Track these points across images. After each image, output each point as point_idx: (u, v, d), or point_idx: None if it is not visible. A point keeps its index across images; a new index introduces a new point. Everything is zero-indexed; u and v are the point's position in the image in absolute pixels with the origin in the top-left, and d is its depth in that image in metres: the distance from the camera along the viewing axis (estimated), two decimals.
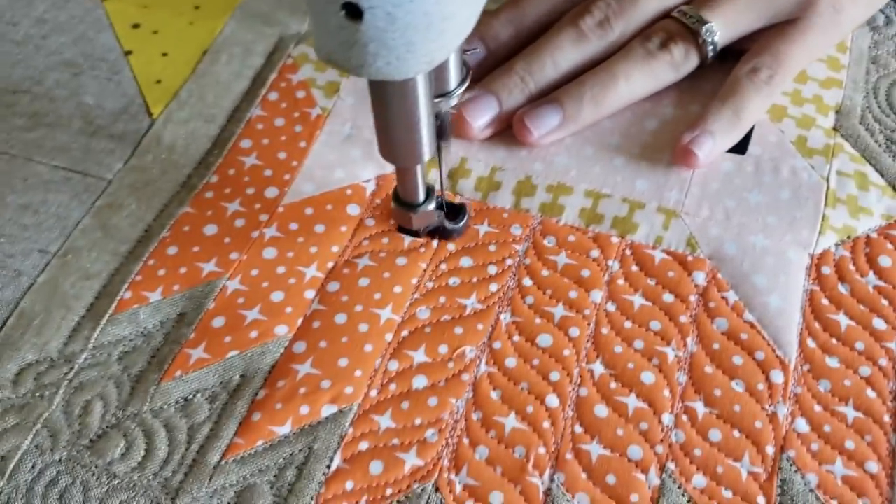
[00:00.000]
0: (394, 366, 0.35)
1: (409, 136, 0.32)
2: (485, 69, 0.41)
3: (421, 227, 0.37)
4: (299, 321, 0.36)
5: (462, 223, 0.38)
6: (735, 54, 0.41)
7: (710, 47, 0.40)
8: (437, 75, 0.32)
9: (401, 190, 0.36)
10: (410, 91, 0.30)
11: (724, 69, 0.41)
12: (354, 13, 0.25)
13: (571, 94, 0.40)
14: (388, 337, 0.35)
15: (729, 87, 0.40)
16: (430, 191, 0.36)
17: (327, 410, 0.33)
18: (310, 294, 0.37)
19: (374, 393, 0.34)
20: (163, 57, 0.46)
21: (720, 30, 0.40)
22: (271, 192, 0.40)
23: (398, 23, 0.25)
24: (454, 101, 0.33)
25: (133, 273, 0.37)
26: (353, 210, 0.39)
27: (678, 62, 0.40)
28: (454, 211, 0.38)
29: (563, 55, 0.40)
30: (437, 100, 0.32)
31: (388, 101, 0.30)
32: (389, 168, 0.40)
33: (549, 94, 0.40)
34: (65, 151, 0.41)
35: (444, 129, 0.34)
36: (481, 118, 0.40)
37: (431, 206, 0.36)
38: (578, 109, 0.40)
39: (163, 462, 0.33)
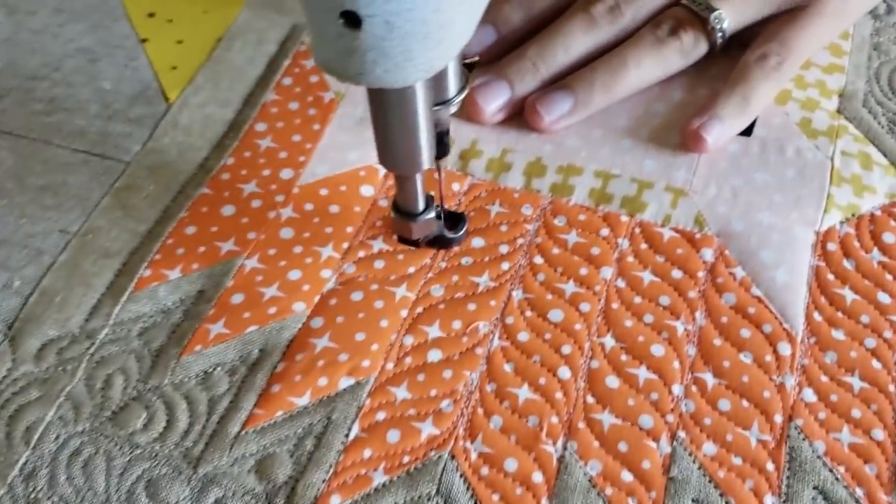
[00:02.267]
0: (409, 340, 0.35)
1: (408, 143, 0.32)
2: (496, 54, 0.42)
3: (420, 237, 0.37)
4: (316, 298, 0.37)
5: (461, 232, 0.38)
6: (743, 41, 0.42)
7: (719, 34, 0.41)
8: (437, 83, 0.32)
9: (400, 199, 0.36)
10: (409, 99, 0.30)
11: (732, 56, 0.42)
12: (353, 21, 0.25)
13: (583, 80, 0.41)
14: (404, 313, 0.36)
15: (738, 74, 0.41)
16: (429, 200, 0.36)
17: (345, 382, 0.34)
18: (326, 273, 0.37)
19: (390, 366, 0.35)
20: (178, 44, 0.46)
21: (729, 17, 0.41)
22: (286, 174, 0.41)
23: (397, 31, 0.25)
24: (453, 109, 0.33)
25: (152, 252, 0.38)
26: (367, 191, 0.40)
27: (687, 49, 0.41)
28: (453, 220, 0.38)
29: (575, 42, 0.41)
30: (436, 107, 0.32)
31: (387, 108, 0.30)
32: None
33: (561, 81, 0.41)
34: (83, 135, 0.42)
35: (444, 139, 0.34)
36: (493, 103, 0.41)
37: (431, 215, 0.36)
38: (590, 95, 0.40)
39: (184, 432, 0.33)
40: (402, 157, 0.32)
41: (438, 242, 0.38)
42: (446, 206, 0.39)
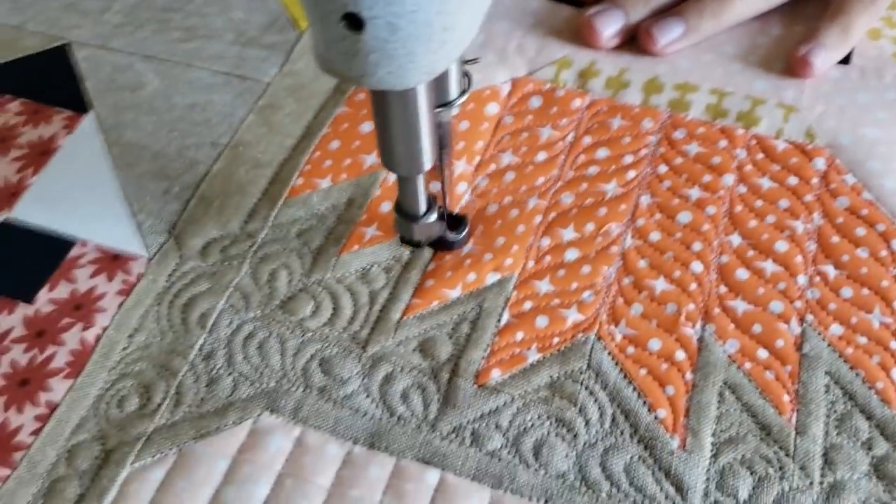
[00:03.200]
0: (546, 242, 0.38)
1: (410, 145, 0.32)
2: None
3: (422, 238, 0.38)
4: (456, 210, 0.39)
5: (463, 234, 0.38)
6: None
7: None
8: (438, 85, 0.32)
9: (402, 200, 0.36)
10: (411, 101, 0.30)
11: None
12: (356, 24, 0.25)
13: (693, 7, 0.44)
14: (538, 219, 0.39)
15: (837, 6, 0.44)
16: (431, 202, 0.36)
17: (491, 278, 0.37)
18: (462, 187, 0.40)
19: (531, 264, 0.38)
20: None
21: None
22: None
23: (399, 33, 0.25)
24: (455, 111, 0.34)
25: (301, 163, 0.41)
26: (493, 109, 0.43)
27: None
28: (455, 222, 0.38)
29: None
30: (437, 109, 0.32)
31: (389, 110, 0.30)
32: (522, 70, 0.44)
33: (673, 9, 0.44)
34: (222, 59, 0.45)
35: (445, 138, 0.34)
36: (610, 28, 0.44)
37: (433, 217, 0.37)
38: (699, 21, 0.43)
39: (350, 319, 0.36)
40: (403, 159, 0.32)
41: (440, 244, 0.38)
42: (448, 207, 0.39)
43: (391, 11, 0.24)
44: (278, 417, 0.34)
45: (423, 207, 0.36)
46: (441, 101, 0.33)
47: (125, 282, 0.37)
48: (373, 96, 0.30)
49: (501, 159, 0.41)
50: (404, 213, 0.37)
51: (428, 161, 0.33)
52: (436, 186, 0.37)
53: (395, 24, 0.25)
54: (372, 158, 0.41)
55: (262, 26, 0.46)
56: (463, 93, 0.33)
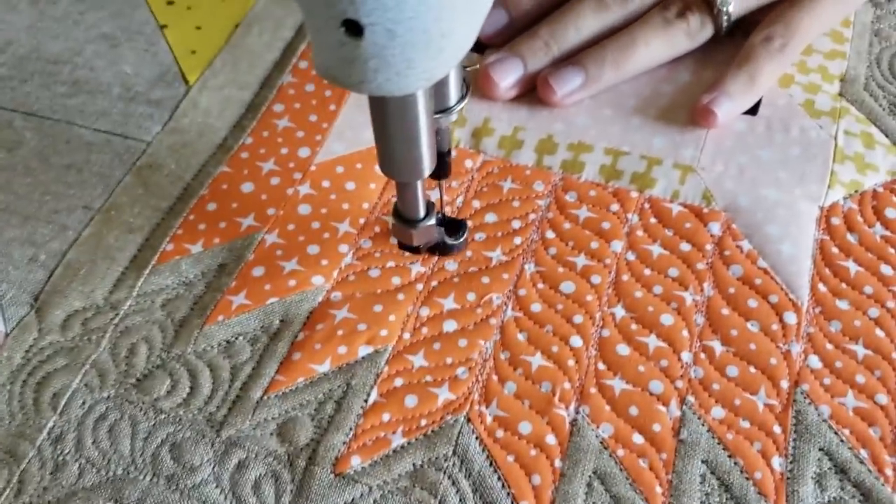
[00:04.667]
0: (425, 311, 0.36)
1: (409, 151, 0.32)
2: (507, 36, 0.43)
3: (421, 243, 0.37)
4: (335, 273, 0.38)
5: (462, 239, 0.38)
6: (747, 29, 0.43)
7: (725, 17, 0.42)
8: (437, 91, 0.32)
9: (401, 205, 0.36)
10: (410, 107, 0.30)
11: (736, 42, 0.43)
12: (354, 30, 0.25)
13: (593, 57, 0.42)
14: (419, 287, 0.37)
15: (744, 54, 0.42)
16: (430, 207, 0.36)
17: (364, 350, 0.35)
18: (343, 248, 0.38)
19: (407, 335, 0.36)
20: (197, 30, 0.48)
21: (734, 1, 0.42)
22: (304, 153, 0.42)
23: (398, 39, 0.25)
24: (454, 117, 0.33)
25: (174, 227, 0.39)
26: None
27: (694, 31, 0.42)
28: (454, 227, 0.38)
29: (586, 22, 0.42)
30: (437, 115, 0.32)
31: (388, 116, 0.30)
32: None
33: (572, 58, 0.42)
34: (105, 116, 0.43)
35: (444, 144, 0.34)
36: (507, 78, 0.42)
37: (431, 221, 0.36)
38: (600, 71, 0.41)
39: (207, 398, 0.34)
40: (403, 165, 0.32)
41: (439, 249, 0.38)
42: (447, 211, 0.39)
43: (389, 18, 0.24)
44: None
45: (422, 212, 0.36)
46: (440, 107, 0.33)
47: None
48: (372, 103, 0.30)
49: (388, 221, 0.39)
50: (403, 218, 0.36)
51: (427, 167, 0.33)
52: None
53: (393, 31, 0.25)
54: (249, 220, 0.39)
55: (151, 80, 0.45)
56: (462, 98, 0.33)
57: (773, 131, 0.41)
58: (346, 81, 0.27)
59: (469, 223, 0.39)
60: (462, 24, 0.27)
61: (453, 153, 0.41)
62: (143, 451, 0.33)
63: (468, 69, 0.39)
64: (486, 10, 0.28)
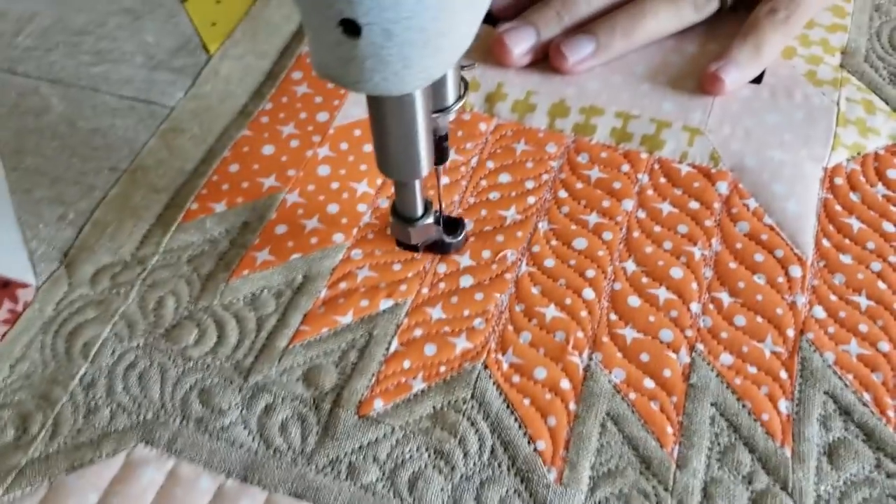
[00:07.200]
0: (442, 268, 0.38)
1: (407, 150, 0.32)
2: (518, 9, 0.45)
3: (419, 242, 0.38)
4: (354, 231, 0.39)
5: (460, 237, 0.38)
6: (751, 2, 0.45)
7: None
8: (435, 91, 0.32)
9: (399, 204, 0.36)
10: (408, 106, 0.30)
11: (740, 17, 0.45)
12: (352, 29, 0.25)
13: (604, 26, 0.43)
14: None
15: (750, 26, 0.43)
16: (428, 205, 0.36)
17: (384, 304, 0.36)
18: (362, 207, 0.40)
19: (425, 290, 0.37)
20: (217, 3, 0.49)
21: None
22: (322, 117, 0.43)
23: (395, 39, 0.25)
24: (452, 117, 0.33)
25: (198, 187, 0.40)
26: None
27: (700, 4, 0.44)
28: (452, 225, 0.38)
29: None
30: (434, 115, 0.32)
31: (385, 116, 0.30)
32: None
33: (583, 27, 0.44)
34: (129, 83, 0.45)
35: (443, 144, 0.35)
36: (520, 45, 0.43)
37: (429, 220, 0.37)
38: (611, 39, 0.43)
39: (234, 346, 0.36)
40: (400, 164, 0.32)
41: (437, 247, 0.38)
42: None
43: (387, 17, 0.24)
44: (153, 449, 0.33)
45: (420, 211, 0.36)
46: (438, 107, 0.33)
47: (11, 311, 0.37)
48: (370, 102, 0.30)
49: None
50: (401, 216, 0.36)
51: (425, 166, 0.33)
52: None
53: (390, 31, 0.25)
54: (271, 181, 0.41)
55: (172, 50, 0.46)
56: (460, 98, 0.33)
57: (777, 98, 0.43)
58: (343, 81, 0.27)
59: (467, 222, 0.39)
60: (460, 24, 0.27)
61: (467, 116, 0.43)
62: (173, 396, 0.34)
63: (465, 68, 0.38)
64: (484, 9, 0.28)
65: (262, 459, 0.33)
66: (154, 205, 0.40)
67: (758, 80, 0.44)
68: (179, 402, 0.34)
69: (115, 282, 0.38)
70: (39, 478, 0.32)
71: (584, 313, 0.36)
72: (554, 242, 0.38)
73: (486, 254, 0.38)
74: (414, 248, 0.38)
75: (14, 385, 0.35)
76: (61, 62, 0.46)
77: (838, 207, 0.39)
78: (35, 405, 0.34)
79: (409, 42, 0.25)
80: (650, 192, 0.39)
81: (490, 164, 0.41)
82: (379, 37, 0.25)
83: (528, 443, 0.32)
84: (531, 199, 0.40)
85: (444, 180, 0.40)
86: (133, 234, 0.39)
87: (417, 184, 0.34)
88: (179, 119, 0.43)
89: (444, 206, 0.39)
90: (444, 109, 0.33)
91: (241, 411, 0.34)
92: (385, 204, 0.40)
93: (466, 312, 0.36)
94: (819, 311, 0.35)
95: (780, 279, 0.36)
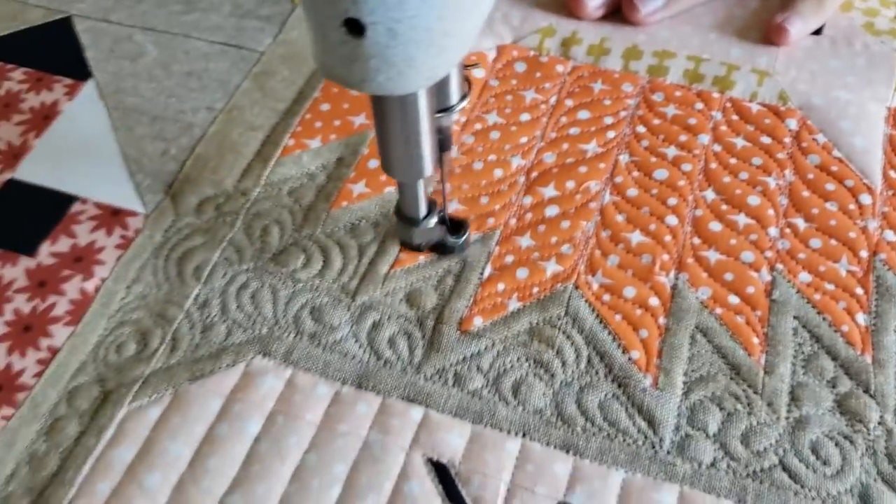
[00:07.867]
0: (528, 200, 0.40)
1: (410, 151, 0.31)
2: None
3: (422, 242, 0.38)
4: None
5: (463, 238, 0.38)
6: None
7: None
8: (439, 90, 0.32)
9: (402, 205, 0.36)
10: (411, 106, 0.29)
11: None
12: (356, 29, 0.25)
13: None
14: (521, 179, 0.41)
15: None
16: (432, 206, 0.36)
17: (474, 235, 0.39)
18: None
19: (512, 221, 0.39)
20: None
21: None
22: None
23: (399, 38, 0.25)
24: (455, 116, 0.34)
25: (293, 125, 0.43)
26: (479, 73, 0.44)
27: None
28: (455, 226, 0.38)
29: None
30: (438, 115, 0.32)
31: (389, 115, 0.30)
32: (507, 39, 0.46)
33: None
34: (219, 30, 0.47)
35: (446, 142, 0.34)
36: None
37: (433, 221, 0.37)
38: None
39: (340, 270, 0.38)
40: (403, 164, 0.32)
41: (440, 248, 0.38)
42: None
43: (391, 17, 0.24)
44: (270, 360, 0.35)
45: (423, 212, 0.36)
46: (441, 107, 0.32)
47: (123, 237, 0.39)
48: (373, 102, 0.30)
49: (487, 119, 0.43)
50: (404, 217, 0.37)
51: (428, 167, 0.32)
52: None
53: (394, 30, 0.25)
54: (361, 118, 0.43)
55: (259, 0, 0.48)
56: (463, 98, 0.33)
57: (838, 46, 0.45)
58: (347, 80, 0.27)
59: (470, 222, 0.39)
60: (464, 24, 0.26)
61: (544, 59, 0.45)
62: (286, 313, 0.36)
63: (469, 68, 0.38)
64: (489, 8, 0.28)
65: (374, 369, 0.35)
66: (252, 141, 0.42)
67: (817, 32, 0.46)
68: (292, 319, 0.36)
69: (220, 211, 0.40)
70: (164, 386, 0.35)
71: (668, 238, 0.38)
72: (636, 174, 0.40)
73: (570, 184, 0.40)
74: (417, 249, 0.38)
75: (131, 304, 0.37)
76: (152, 11, 0.48)
77: None
78: (153, 322, 0.36)
79: (414, 41, 0.25)
80: (724, 127, 0.42)
81: (569, 102, 0.43)
82: (383, 36, 0.25)
83: (623, 353, 0.35)
84: (611, 134, 0.42)
85: (525, 116, 0.43)
86: (234, 168, 0.41)
87: (420, 185, 0.35)
88: (270, 63, 0.45)
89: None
90: (447, 109, 0.33)
91: (352, 327, 0.36)
92: (470, 140, 0.42)
93: (554, 239, 0.38)
94: (890, 235, 0.38)
95: (852, 206, 0.39)
